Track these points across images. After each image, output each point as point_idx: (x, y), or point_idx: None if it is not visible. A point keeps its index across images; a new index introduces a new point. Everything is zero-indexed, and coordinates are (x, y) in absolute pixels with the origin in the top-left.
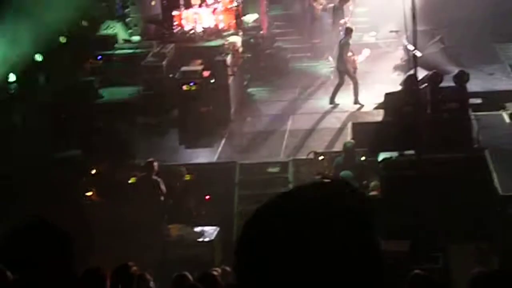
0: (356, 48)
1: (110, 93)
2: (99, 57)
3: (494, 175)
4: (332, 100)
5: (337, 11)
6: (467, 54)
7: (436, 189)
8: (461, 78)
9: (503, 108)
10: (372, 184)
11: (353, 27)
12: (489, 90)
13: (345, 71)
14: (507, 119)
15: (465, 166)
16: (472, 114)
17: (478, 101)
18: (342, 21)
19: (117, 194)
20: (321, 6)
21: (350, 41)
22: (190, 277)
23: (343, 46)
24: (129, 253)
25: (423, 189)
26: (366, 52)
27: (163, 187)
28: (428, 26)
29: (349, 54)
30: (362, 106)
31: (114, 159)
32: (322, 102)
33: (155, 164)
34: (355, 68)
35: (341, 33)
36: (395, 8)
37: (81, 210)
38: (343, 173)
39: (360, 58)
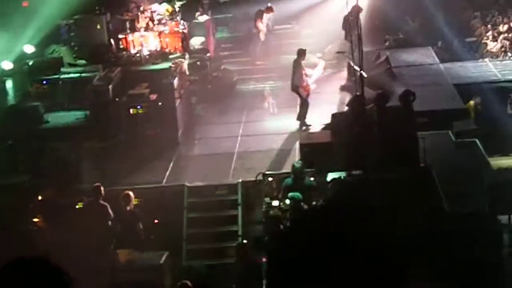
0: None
1: (56, 118)
2: (45, 81)
3: (441, 194)
4: (302, 123)
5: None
6: (412, 74)
7: (382, 207)
8: (407, 98)
9: (449, 127)
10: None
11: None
12: (435, 109)
13: (297, 93)
14: (452, 138)
15: (411, 186)
16: (419, 134)
17: (424, 120)
18: None
19: (64, 219)
20: (267, 29)
21: (303, 63)
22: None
23: (295, 68)
24: (77, 279)
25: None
26: (321, 64)
27: (110, 212)
28: (374, 47)
29: (304, 73)
30: (309, 127)
31: (61, 184)
32: (269, 123)
33: (102, 188)
34: (308, 92)
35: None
36: (341, 30)
37: (28, 236)
38: (291, 194)
39: (316, 73)
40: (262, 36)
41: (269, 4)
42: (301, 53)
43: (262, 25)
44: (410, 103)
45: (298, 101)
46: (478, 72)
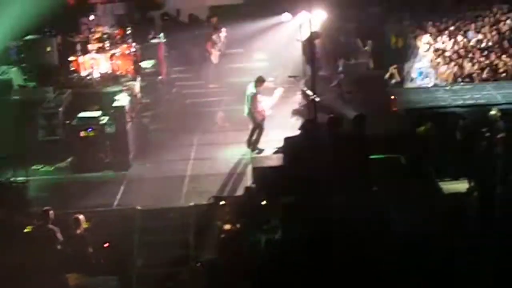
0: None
1: None
2: None
3: (392, 217)
4: (253, 148)
5: None
6: (364, 98)
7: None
8: (359, 122)
9: (400, 150)
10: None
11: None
12: (387, 133)
13: (251, 118)
14: (403, 162)
15: (363, 211)
16: (370, 158)
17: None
18: None
19: (12, 243)
20: (218, 52)
21: (260, 89)
22: None
23: (252, 96)
24: None
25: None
26: (278, 91)
27: (59, 235)
28: (326, 72)
29: (260, 101)
30: (262, 151)
31: (11, 207)
32: (221, 147)
33: (51, 212)
34: (263, 117)
35: None
36: (294, 54)
37: None
38: None
39: (273, 100)
40: (214, 59)
41: (218, 26)
42: (260, 80)
43: (214, 49)
44: (362, 127)
45: (250, 125)
46: (428, 97)
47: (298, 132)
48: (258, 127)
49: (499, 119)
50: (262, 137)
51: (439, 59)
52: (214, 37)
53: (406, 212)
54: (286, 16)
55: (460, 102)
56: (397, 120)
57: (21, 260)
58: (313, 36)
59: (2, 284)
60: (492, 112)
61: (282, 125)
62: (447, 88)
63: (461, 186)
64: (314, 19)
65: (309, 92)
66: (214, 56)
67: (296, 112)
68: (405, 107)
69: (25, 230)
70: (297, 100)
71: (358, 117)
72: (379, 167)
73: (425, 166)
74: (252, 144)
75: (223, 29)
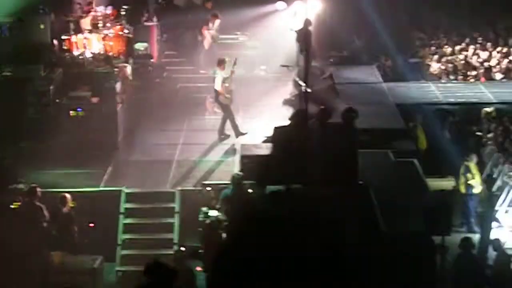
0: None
1: None
2: None
3: (377, 212)
4: (220, 133)
5: None
6: (355, 91)
7: (318, 225)
8: (349, 115)
9: (389, 146)
10: None
11: (231, 59)
12: (376, 127)
13: (219, 105)
14: (392, 157)
15: (348, 202)
16: (359, 151)
17: (366, 137)
18: None
19: None
20: (211, 39)
21: (224, 74)
22: None
23: (216, 79)
24: (9, 279)
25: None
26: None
27: (46, 213)
28: (318, 63)
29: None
30: (245, 135)
31: None
32: (210, 133)
33: (38, 189)
34: (229, 100)
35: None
36: (287, 43)
37: None
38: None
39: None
40: (206, 45)
41: (215, 12)
42: (219, 62)
43: (208, 34)
44: (352, 120)
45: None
46: (420, 93)
47: (288, 122)
48: (226, 112)
49: (492, 119)
50: (251, 125)
51: (433, 56)
52: (208, 22)
53: (393, 208)
54: (280, 4)
55: (451, 99)
56: (389, 114)
57: (6, 235)
58: (306, 25)
59: None
60: (487, 110)
61: (273, 114)
62: (439, 84)
63: (447, 183)
64: (309, 9)
65: (301, 82)
66: (207, 41)
67: (287, 102)
68: (397, 102)
69: (12, 206)
70: (288, 89)
71: (348, 110)
72: (367, 161)
73: (413, 162)
74: (234, 130)
75: (217, 14)
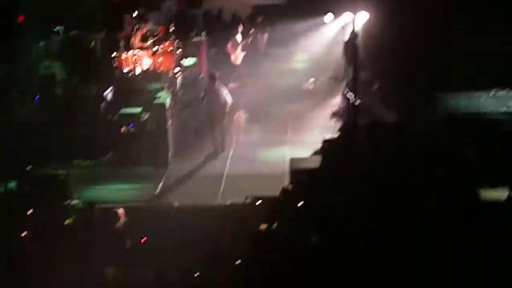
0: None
1: None
2: (37, 97)
3: None
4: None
5: None
6: (405, 103)
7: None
8: (398, 127)
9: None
10: None
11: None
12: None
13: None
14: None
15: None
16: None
17: None
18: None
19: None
20: (243, 52)
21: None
22: None
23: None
24: None
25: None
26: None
27: (100, 228)
28: (367, 74)
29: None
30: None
31: (50, 201)
32: (260, 147)
33: (95, 206)
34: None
35: None
36: (335, 56)
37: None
38: None
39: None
40: (234, 59)
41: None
42: (212, 77)
43: (233, 48)
44: (400, 132)
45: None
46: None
47: (337, 134)
48: (219, 124)
49: None
50: (299, 138)
51: None
52: (237, 37)
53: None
54: (329, 16)
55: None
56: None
57: (61, 252)
58: (354, 37)
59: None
60: None
61: (322, 127)
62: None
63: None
64: (358, 21)
65: (350, 95)
66: (235, 56)
67: (336, 115)
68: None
69: (66, 222)
70: (337, 102)
71: (397, 122)
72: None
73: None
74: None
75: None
